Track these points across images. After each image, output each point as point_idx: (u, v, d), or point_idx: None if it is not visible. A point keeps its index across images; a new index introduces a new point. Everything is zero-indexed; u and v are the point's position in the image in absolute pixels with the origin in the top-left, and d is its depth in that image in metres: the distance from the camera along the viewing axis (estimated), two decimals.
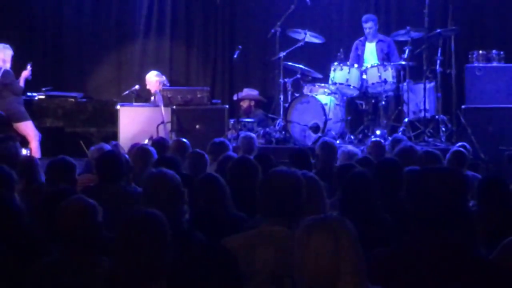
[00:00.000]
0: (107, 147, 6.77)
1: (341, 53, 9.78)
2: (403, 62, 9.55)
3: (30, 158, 6.10)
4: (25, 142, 9.05)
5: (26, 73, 9.40)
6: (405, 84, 9.55)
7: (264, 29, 10.74)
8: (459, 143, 7.61)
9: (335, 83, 9.58)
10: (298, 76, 9.91)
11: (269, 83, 11.04)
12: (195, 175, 5.18)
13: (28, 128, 9.31)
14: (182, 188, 3.89)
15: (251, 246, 3.18)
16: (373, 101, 9.80)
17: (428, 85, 9.43)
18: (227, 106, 10.14)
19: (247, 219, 4.25)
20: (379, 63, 9.67)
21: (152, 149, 6.12)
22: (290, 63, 9.87)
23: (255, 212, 3.79)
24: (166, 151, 6.65)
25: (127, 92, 10.55)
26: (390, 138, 8.39)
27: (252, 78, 11.55)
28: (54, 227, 3.37)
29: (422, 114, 9.39)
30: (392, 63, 9.65)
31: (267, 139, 9.60)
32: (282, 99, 9.80)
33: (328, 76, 9.73)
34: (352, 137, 9.54)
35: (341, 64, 9.60)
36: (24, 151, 8.06)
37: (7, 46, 9.38)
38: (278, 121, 9.82)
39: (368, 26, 10.06)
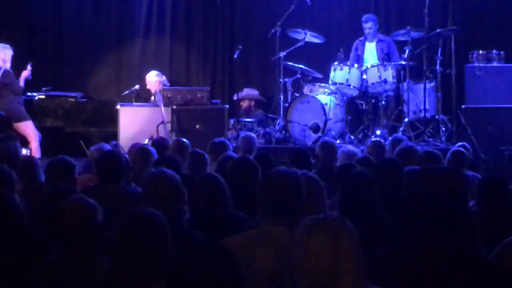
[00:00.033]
0: (107, 147, 6.77)
1: (341, 53, 9.78)
2: (403, 62, 9.54)
3: (30, 158, 6.10)
4: (25, 142, 9.04)
5: (26, 73, 9.39)
6: (405, 84, 9.55)
7: (264, 29, 10.72)
8: (459, 143, 7.60)
9: (335, 83, 9.58)
10: (298, 76, 9.89)
11: (269, 83, 11.04)
12: (195, 175, 5.19)
13: (28, 128, 9.30)
14: (182, 188, 3.89)
15: (251, 246, 3.18)
16: (373, 101, 9.80)
17: (428, 85, 9.43)
18: (227, 106, 10.12)
19: (247, 219, 4.25)
20: (379, 63, 9.67)
21: (152, 149, 6.12)
22: (290, 63, 9.85)
23: (255, 212, 3.78)
24: (166, 151, 6.65)
25: (127, 92, 10.54)
26: (390, 138, 8.36)
27: (252, 78, 11.54)
28: (54, 227, 3.37)
29: (422, 114, 9.38)
30: (392, 63, 9.65)
31: (267, 139, 9.58)
32: (282, 99, 9.79)
33: (328, 76, 9.73)
34: (352, 137, 9.53)
35: (341, 64, 9.60)
36: (24, 151, 8.04)
37: (7, 46, 9.37)
38: (278, 121, 9.81)
39: (368, 26, 10.05)
